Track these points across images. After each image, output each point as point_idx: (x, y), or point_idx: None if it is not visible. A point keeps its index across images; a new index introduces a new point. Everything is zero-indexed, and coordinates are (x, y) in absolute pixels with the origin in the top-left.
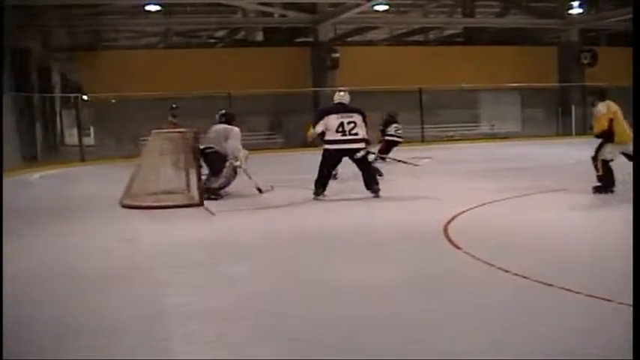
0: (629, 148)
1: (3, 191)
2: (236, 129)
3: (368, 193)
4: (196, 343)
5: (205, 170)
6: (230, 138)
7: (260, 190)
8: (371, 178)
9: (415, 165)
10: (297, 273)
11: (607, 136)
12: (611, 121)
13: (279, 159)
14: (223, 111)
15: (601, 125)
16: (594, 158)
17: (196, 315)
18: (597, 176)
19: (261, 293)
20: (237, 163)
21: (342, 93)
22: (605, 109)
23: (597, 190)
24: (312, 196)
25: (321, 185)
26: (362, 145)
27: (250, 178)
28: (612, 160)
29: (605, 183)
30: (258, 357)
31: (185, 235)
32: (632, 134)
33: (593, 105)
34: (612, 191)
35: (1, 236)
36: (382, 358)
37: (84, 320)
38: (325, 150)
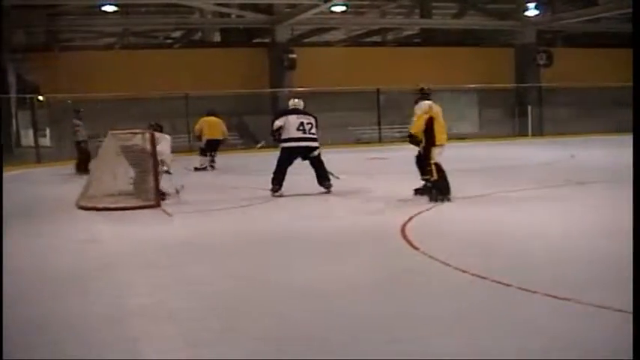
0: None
1: (3, 191)
2: (167, 136)
3: (321, 192)
4: (159, 344)
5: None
6: (160, 143)
7: (177, 191)
8: (323, 176)
9: (337, 178)
10: (257, 273)
11: (427, 139)
12: (431, 121)
13: (240, 160)
14: (154, 123)
15: (418, 126)
16: (427, 163)
17: (157, 315)
18: (431, 181)
19: (221, 294)
20: (165, 168)
21: (296, 100)
22: (428, 108)
23: (433, 197)
24: (270, 192)
25: (278, 182)
26: (317, 144)
27: (170, 180)
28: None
29: (442, 187)
30: (219, 357)
31: (143, 236)
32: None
33: (416, 102)
34: (449, 199)
35: (1, 236)
36: (349, 357)
37: (50, 321)
38: (284, 148)
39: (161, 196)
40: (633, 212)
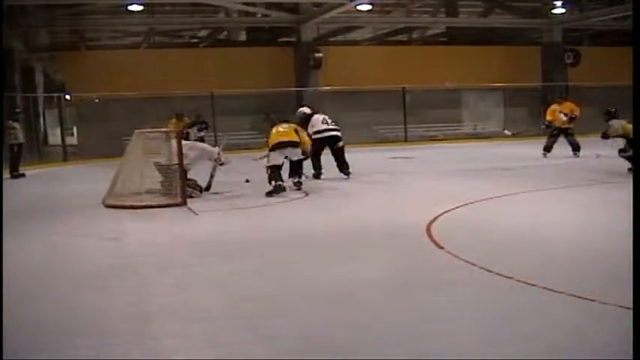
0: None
1: (2, 190)
2: (198, 143)
3: (346, 192)
4: (183, 343)
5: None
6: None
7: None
8: (344, 164)
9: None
10: (280, 272)
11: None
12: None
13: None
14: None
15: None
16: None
17: (182, 314)
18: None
19: (244, 293)
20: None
21: (305, 108)
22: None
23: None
24: (312, 179)
25: (318, 168)
26: (341, 134)
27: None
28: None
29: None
30: (245, 357)
31: (168, 234)
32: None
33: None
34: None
35: (1, 236)
36: (372, 357)
37: (70, 319)
38: (315, 139)
39: (199, 190)
40: (633, 212)
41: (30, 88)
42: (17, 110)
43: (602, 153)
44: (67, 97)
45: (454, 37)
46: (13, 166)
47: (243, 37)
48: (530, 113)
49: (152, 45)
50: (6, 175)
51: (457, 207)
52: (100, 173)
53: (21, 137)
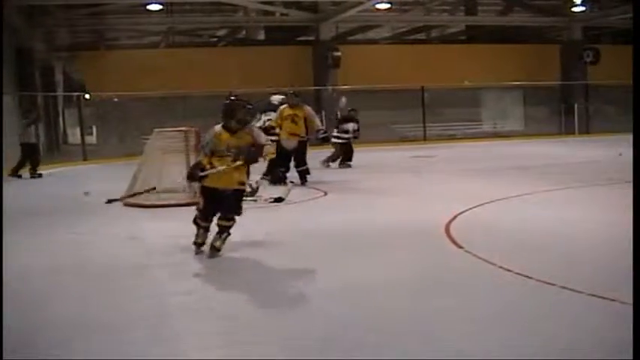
0: None
1: (2, 190)
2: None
3: (366, 190)
4: (201, 343)
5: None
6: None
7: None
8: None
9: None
10: (298, 271)
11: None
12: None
13: None
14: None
15: None
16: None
17: (201, 314)
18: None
19: (266, 291)
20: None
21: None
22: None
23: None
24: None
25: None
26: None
27: None
28: None
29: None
30: (262, 356)
31: (188, 233)
32: None
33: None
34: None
35: (1, 236)
36: (388, 358)
37: (90, 318)
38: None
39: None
40: (633, 212)
41: (50, 87)
42: (29, 109)
43: (625, 151)
44: (87, 96)
45: (473, 35)
46: (33, 166)
47: (261, 36)
48: (550, 112)
49: (171, 44)
50: (7, 175)
51: (476, 206)
52: (120, 172)
53: (33, 137)
